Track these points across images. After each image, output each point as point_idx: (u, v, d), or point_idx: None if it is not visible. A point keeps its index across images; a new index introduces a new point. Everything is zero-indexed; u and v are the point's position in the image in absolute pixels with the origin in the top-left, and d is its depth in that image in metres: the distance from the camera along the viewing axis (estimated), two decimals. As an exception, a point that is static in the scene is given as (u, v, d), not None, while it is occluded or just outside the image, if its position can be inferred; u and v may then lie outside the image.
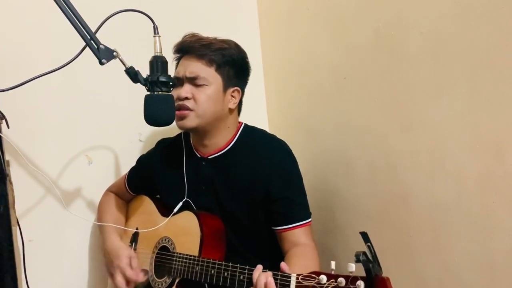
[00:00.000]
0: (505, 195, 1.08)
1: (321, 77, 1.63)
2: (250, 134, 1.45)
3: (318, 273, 0.97)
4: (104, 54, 1.13)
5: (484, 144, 1.11)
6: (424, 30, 1.22)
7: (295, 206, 1.35)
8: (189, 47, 1.37)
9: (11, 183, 1.31)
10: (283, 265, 1.07)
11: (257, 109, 1.91)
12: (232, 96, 1.39)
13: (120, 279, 1.37)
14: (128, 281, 1.37)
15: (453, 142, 1.18)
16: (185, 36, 1.41)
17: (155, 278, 1.40)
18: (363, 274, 0.90)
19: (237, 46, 1.41)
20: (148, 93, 1.18)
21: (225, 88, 1.37)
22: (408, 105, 1.30)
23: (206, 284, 1.27)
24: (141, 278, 1.38)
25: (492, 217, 1.11)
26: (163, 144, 1.57)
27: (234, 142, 1.41)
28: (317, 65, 1.64)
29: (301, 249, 1.29)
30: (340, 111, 1.55)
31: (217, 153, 1.41)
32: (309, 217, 1.36)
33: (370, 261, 0.89)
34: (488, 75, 1.08)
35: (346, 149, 1.53)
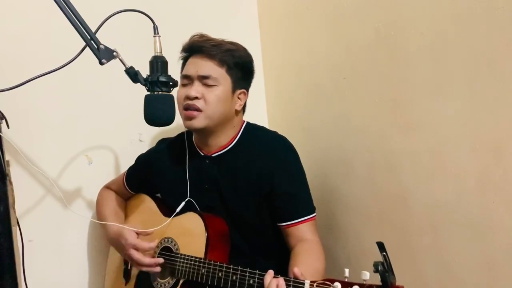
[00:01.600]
0: (505, 195, 1.08)
1: (321, 77, 1.63)
2: (252, 131, 1.45)
3: (332, 280, 0.97)
4: (104, 54, 1.13)
5: (484, 144, 1.11)
6: (424, 30, 1.22)
7: (299, 201, 1.35)
8: (200, 47, 1.37)
9: (11, 183, 1.31)
10: (296, 271, 1.06)
11: (257, 108, 1.91)
12: (239, 98, 1.40)
13: (136, 254, 1.34)
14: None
15: (453, 142, 1.18)
16: (194, 36, 1.41)
17: (157, 278, 1.40)
18: (374, 281, 0.91)
19: (245, 49, 1.42)
20: (148, 93, 1.18)
21: (234, 90, 1.38)
22: (408, 105, 1.30)
23: (207, 287, 1.26)
24: (152, 244, 1.35)
25: (492, 217, 1.11)
26: (164, 144, 1.57)
27: (237, 140, 1.42)
28: (317, 65, 1.64)
29: (307, 245, 1.29)
30: (340, 111, 1.55)
31: (220, 151, 1.41)
32: (314, 212, 1.36)
33: (386, 271, 0.90)
34: (488, 75, 1.08)
35: (346, 149, 1.53)
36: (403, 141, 1.32)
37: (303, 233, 1.32)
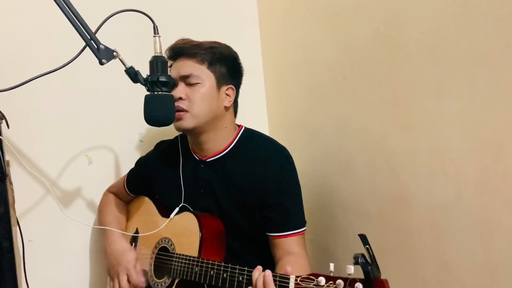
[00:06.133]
0: (505, 195, 1.08)
1: (321, 77, 1.63)
2: (250, 137, 1.44)
3: (317, 275, 0.97)
4: (104, 54, 1.13)
5: (484, 144, 1.11)
6: (424, 30, 1.22)
7: (290, 214, 1.35)
8: (181, 49, 1.38)
9: (11, 183, 1.31)
10: (288, 269, 1.06)
11: (257, 109, 1.91)
12: (227, 94, 1.39)
13: (125, 281, 1.39)
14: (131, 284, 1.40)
15: (453, 142, 1.18)
16: (176, 41, 1.41)
17: (155, 278, 1.40)
18: (362, 276, 0.90)
19: (227, 47, 1.42)
20: (148, 93, 1.19)
21: (219, 86, 1.37)
22: (408, 105, 1.30)
23: (205, 285, 1.27)
24: (142, 283, 1.40)
25: (492, 217, 1.11)
26: (162, 146, 1.57)
27: (234, 145, 1.41)
28: (317, 65, 1.64)
29: (293, 259, 1.29)
30: (340, 111, 1.55)
31: (216, 155, 1.41)
32: (304, 226, 1.36)
33: (368, 264, 0.89)
34: (488, 75, 1.08)
35: (346, 149, 1.53)
36: (403, 141, 1.32)
37: (290, 247, 1.31)
